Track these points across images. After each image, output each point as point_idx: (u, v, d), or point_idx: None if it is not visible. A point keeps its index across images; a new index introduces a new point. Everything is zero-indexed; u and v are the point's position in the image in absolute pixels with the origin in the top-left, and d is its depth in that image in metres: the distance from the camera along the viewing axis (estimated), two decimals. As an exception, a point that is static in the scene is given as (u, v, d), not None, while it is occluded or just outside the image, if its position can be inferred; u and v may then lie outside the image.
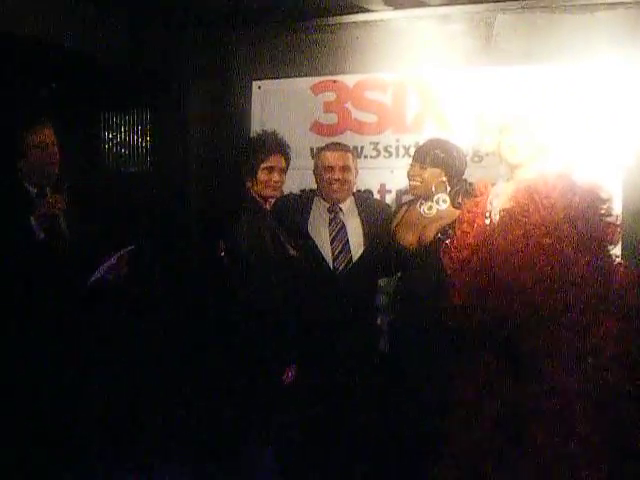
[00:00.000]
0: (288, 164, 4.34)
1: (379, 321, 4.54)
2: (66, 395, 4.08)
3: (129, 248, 4.20)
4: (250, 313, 4.01)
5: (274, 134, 4.37)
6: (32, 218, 3.94)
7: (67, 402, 4.09)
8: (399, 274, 4.33)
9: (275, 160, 4.23)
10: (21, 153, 4.12)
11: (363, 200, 4.61)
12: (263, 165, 4.21)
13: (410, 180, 4.24)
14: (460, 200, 4.10)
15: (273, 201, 4.37)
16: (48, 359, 3.98)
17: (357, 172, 4.51)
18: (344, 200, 4.44)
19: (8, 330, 3.97)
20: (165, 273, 5.01)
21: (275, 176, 4.22)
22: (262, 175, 4.21)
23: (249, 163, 4.22)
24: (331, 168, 4.37)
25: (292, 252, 4.17)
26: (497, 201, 3.68)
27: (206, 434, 4.25)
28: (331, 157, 4.41)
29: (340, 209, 4.44)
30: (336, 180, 4.37)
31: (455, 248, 3.74)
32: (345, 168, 4.39)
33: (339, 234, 4.38)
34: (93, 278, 4.04)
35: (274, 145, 4.28)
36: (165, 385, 4.86)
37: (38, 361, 3.96)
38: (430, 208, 4.19)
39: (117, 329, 4.65)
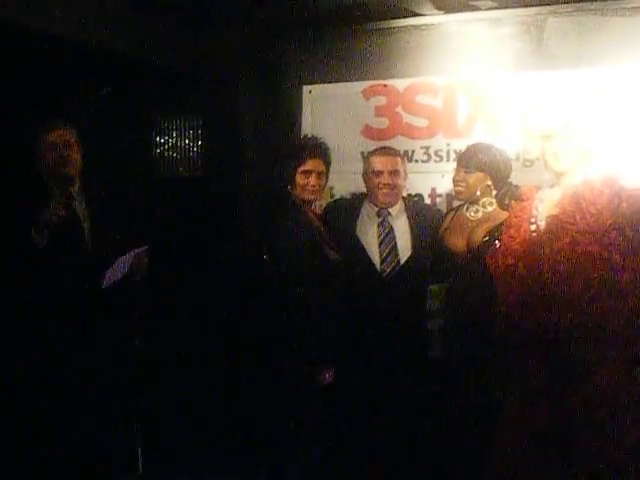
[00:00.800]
0: (328, 168, 4.36)
1: (429, 326, 4.53)
2: (90, 401, 4.06)
3: (144, 248, 4.18)
4: (290, 315, 4.04)
5: (313, 138, 4.40)
6: (33, 226, 3.87)
7: (90, 409, 4.06)
8: (450, 279, 4.32)
9: (313, 164, 4.26)
10: (37, 153, 4.10)
11: (412, 204, 4.61)
12: (300, 169, 4.24)
13: (455, 185, 4.23)
14: (507, 202, 4.08)
15: (317, 204, 4.40)
16: (61, 362, 3.96)
17: (406, 176, 4.50)
18: (393, 205, 4.44)
19: (14, 334, 3.95)
20: (210, 274, 5.03)
21: (312, 180, 4.25)
22: (300, 179, 4.25)
23: (288, 167, 4.25)
24: (380, 172, 4.37)
25: (333, 255, 4.19)
26: (542, 207, 3.64)
27: (247, 437, 4.29)
28: (380, 161, 4.40)
29: (389, 213, 4.43)
30: (385, 185, 4.36)
31: (501, 254, 3.71)
32: (394, 172, 4.38)
33: (387, 237, 4.38)
34: (108, 280, 4.01)
35: (311, 149, 4.30)
36: (202, 388, 4.89)
37: (50, 365, 3.94)
38: (476, 211, 4.18)
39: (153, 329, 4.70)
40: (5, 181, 4.16)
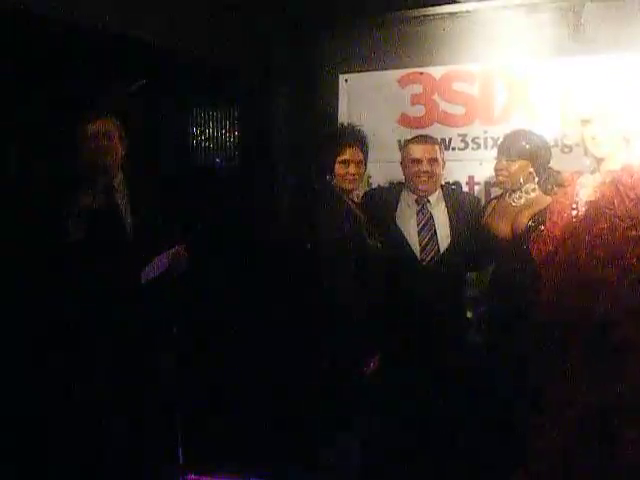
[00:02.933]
0: (366, 156, 4.36)
1: (469, 314, 4.53)
2: (130, 392, 4.04)
3: (181, 246, 4.13)
4: (332, 304, 4.06)
5: (351, 127, 4.41)
6: (70, 217, 3.87)
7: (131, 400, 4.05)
8: (493, 266, 4.31)
9: (351, 153, 4.26)
10: (77, 143, 4.05)
11: (451, 192, 4.59)
12: (339, 158, 4.25)
13: (498, 174, 4.21)
14: (550, 187, 4.07)
15: (357, 193, 4.41)
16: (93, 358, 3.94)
17: (444, 164, 4.49)
18: (432, 192, 4.44)
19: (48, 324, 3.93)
20: (247, 265, 5.05)
21: (352, 169, 4.25)
22: (339, 168, 4.25)
23: (327, 157, 4.27)
24: (418, 161, 4.37)
25: (373, 243, 4.20)
26: (583, 192, 3.63)
27: (290, 430, 4.32)
28: (418, 150, 4.40)
29: (428, 201, 4.43)
30: (424, 172, 4.35)
31: (543, 240, 3.71)
32: (432, 160, 4.37)
33: (427, 225, 4.38)
34: (146, 276, 3.99)
35: (349, 138, 4.31)
36: (244, 382, 4.92)
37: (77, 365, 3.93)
38: (519, 197, 4.16)
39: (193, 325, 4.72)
40: (44, 170, 4.19)
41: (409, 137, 4.66)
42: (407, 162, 4.44)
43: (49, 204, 3.96)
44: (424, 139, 4.47)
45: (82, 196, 3.93)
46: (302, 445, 4.25)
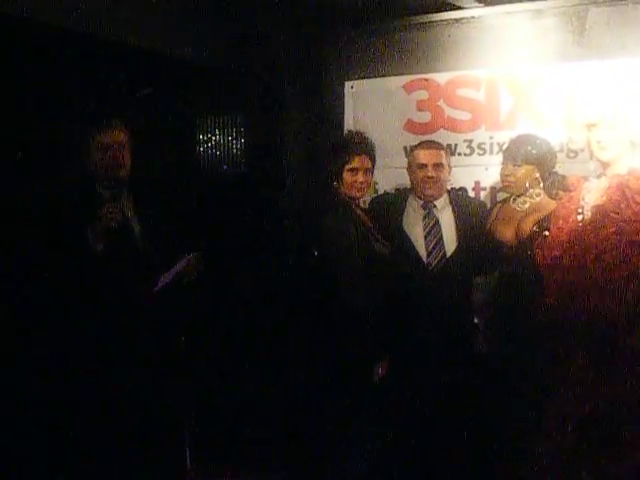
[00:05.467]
0: (374, 164, 4.38)
1: (476, 320, 4.52)
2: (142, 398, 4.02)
3: (193, 254, 4.10)
4: (340, 309, 4.07)
5: (359, 134, 4.42)
6: (89, 230, 3.79)
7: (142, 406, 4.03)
8: (497, 272, 4.32)
9: (359, 161, 4.27)
10: (88, 154, 3.98)
11: (457, 197, 4.62)
12: (348, 166, 4.25)
13: (504, 180, 4.24)
14: (555, 192, 4.08)
15: (364, 200, 4.42)
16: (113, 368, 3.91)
17: (450, 169, 4.51)
18: (438, 198, 4.45)
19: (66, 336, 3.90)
20: (255, 272, 5.06)
21: (360, 177, 4.26)
22: (347, 176, 4.26)
23: (335, 165, 4.27)
24: (424, 166, 4.39)
25: (381, 249, 4.21)
26: (589, 197, 3.63)
27: (302, 433, 4.32)
28: (424, 155, 4.42)
29: (434, 205, 4.45)
30: (429, 178, 4.37)
31: (549, 245, 3.71)
32: (438, 166, 4.39)
33: (433, 229, 4.39)
34: (160, 284, 3.96)
35: (358, 146, 4.31)
36: (253, 386, 4.93)
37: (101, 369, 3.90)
38: (524, 202, 4.17)
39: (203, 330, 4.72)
40: (55, 184, 4.18)
41: (415, 143, 4.68)
42: (413, 167, 4.46)
43: (63, 219, 3.91)
44: (429, 144, 4.49)
45: (94, 208, 3.88)
46: (310, 450, 4.26)
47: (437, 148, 4.46)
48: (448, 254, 4.35)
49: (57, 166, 4.47)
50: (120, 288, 3.87)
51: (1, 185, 4.26)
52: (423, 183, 4.40)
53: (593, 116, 3.60)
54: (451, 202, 4.49)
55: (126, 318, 3.89)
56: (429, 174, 4.37)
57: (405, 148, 5.15)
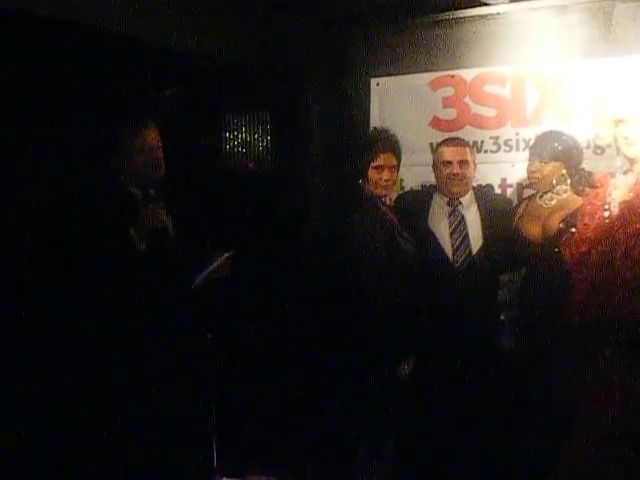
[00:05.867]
0: (399, 162, 4.38)
1: (502, 317, 4.52)
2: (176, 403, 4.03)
3: (230, 253, 4.11)
4: (365, 307, 4.07)
5: (384, 132, 4.43)
6: (132, 229, 3.80)
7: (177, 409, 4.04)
8: (524, 269, 4.31)
9: (384, 159, 4.27)
10: (124, 155, 3.97)
11: (483, 194, 4.62)
12: (373, 164, 4.26)
13: (530, 177, 4.23)
14: (582, 188, 4.06)
15: (391, 198, 4.42)
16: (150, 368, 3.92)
17: (475, 166, 4.51)
18: (463, 195, 4.46)
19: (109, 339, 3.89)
20: (283, 271, 5.06)
21: (385, 175, 4.26)
22: (372, 174, 4.26)
23: (360, 162, 4.27)
24: (449, 163, 4.39)
25: (407, 246, 4.21)
26: (616, 193, 3.62)
27: (326, 429, 4.33)
28: (449, 152, 4.42)
29: (460, 203, 4.46)
30: (455, 175, 4.38)
31: (575, 241, 3.69)
32: (463, 163, 4.39)
33: (458, 227, 4.40)
34: (196, 283, 3.97)
35: (383, 144, 4.32)
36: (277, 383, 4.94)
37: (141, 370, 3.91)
38: (551, 199, 4.17)
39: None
40: (93, 186, 4.19)
41: (441, 140, 4.67)
42: (438, 165, 4.46)
43: (111, 219, 3.87)
44: (455, 141, 4.50)
45: (144, 208, 3.90)
46: (336, 448, 4.27)
47: (462, 145, 4.46)
48: (474, 251, 4.35)
49: (95, 168, 4.48)
50: (157, 286, 3.88)
51: (41, 188, 4.29)
52: (448, 180, 4.40)
53: (620, 112, 3.57)
54: (477, 199, 4.49)
55: (161, 316, 3.90)
56: (454, 171, 4.38)
57: (431, 145, 5.14)
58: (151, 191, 3.98)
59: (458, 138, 4.59)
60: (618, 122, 3.55)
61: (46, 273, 3.96)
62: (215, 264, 4.02)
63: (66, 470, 3.96)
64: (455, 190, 4.41)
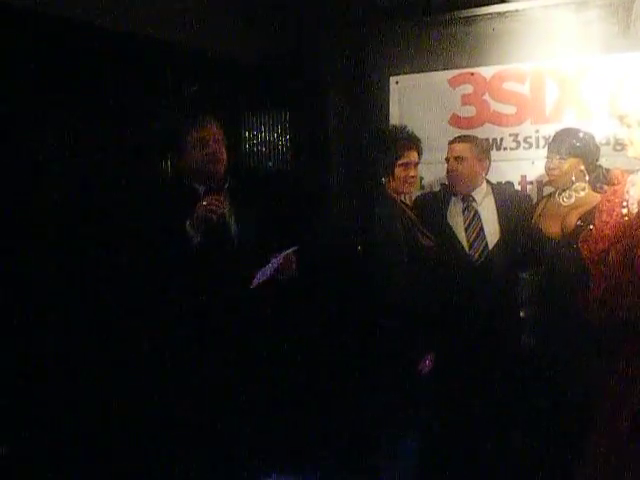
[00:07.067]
0: (420, 158, 4.41)
1: (522, 314, 4.51)
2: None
3: (294, 248, 4.02)
4: (386, 303, 4.08)
5: (406, 129, 4.43)
6: (187, 222, 3.77)
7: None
8: (543, 266, 4.30)
9: (411, 156, 4.30)
10: (182, 150, 3.99)
11: (500, 190, 4.63)
12: (400, 162, 4.27)
13: (549, 173, 4.22)
14: (600, 185, 4.05)
15: (410, 196, 4.43)
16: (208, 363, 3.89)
17: (482, 162, 4.53)
18: (464, 191, 4.50)
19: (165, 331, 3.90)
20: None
21: (412, 171, 4.30)
22: (399, 171, 4.28)
23: (386, 160, 4.28)
24: (447, 159, 4.52)
25: (427, 243, 4.21)
26: (634, 190, 3.60)
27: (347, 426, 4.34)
28: (449, 149, 4.56)
29: (473, 199, 4.49)
30: (450, 171, 4.49)
31: (594, 239, 3.68)
32: (458, 159, 4.46)
33: (472, 222, 4.43)
34: (257, 280, 3.89)
35: (409, 140, 4.34)
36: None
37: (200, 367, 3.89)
38: (569, 197, 4.16)
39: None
40: (153, 179, 4.19)
41: (456, 137, 4.71)
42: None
43: (169, 214, 3.86)
44: (459, 138, 4.59)
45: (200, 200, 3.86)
46: (358, 445, 4.28)
47: (461, 141, 4.52)
48: (490, 246, 4.36)
49: (155, 164, 4.50)
50: (217, 282, 3.86)
51: (101, 184, 4.36)
52: (447, 175, 4.53)
53: (630, 110, 3.57)
54: (494, 195, 4.50)
55: (222, 313, 3.89)
56: (450, 167, 4.48)
57: (450, 143, 5.16)
58: (212, 185, 3.97)
59: (466, 135, 4.64)
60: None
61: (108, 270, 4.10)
62: (275, 262, 3.95)
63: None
64: (452, 185, 4.52)
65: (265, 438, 4.18)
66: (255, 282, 3.88)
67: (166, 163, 4.24)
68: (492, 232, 4.39)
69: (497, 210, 4.44)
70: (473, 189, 4.47)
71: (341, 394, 4.40)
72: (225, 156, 4.02)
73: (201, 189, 3.99)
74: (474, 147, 4.49)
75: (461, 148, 4.46)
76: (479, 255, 4.36)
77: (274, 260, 3.94)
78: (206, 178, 3.99)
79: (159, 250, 3.80)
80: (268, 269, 3.92)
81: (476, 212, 4.44)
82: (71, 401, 4.04)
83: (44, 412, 3.96)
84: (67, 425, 4.03)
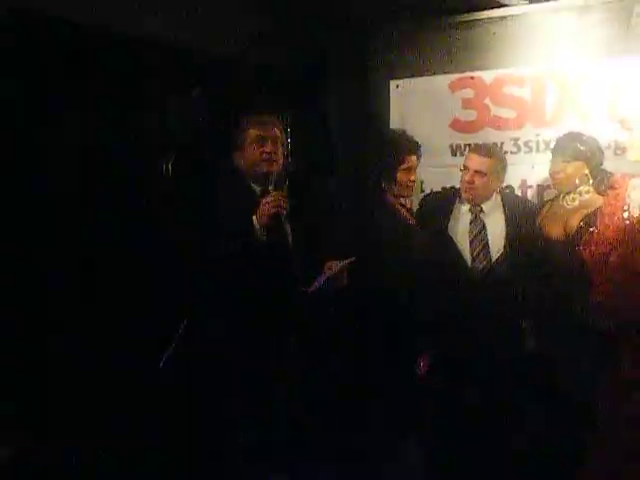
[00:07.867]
0: (419, 162, 4.40)
1: (524, 324, 4.47)
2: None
3: (351, 259, 3.96)
4: (386, 308, 4.09)
5: (407, 134, 4.42)
6: (254, 218, 3.76)
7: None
8: (547, 269, 4.28)
9: (412, 160, 4.32)
10: (238, 148, 3.98)
11: (509, 200, 4.51)
12: (402, 166, 4.27)
13: (553, 177, 4.19)
14: (603, 188, 4.04)
15: (411, 200, 4.43)
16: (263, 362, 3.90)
17: (499, 178, 4.42)
18: (477, 203, 4.39)
19: (220, 329, 3.90)
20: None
21: (412, 176, 4.30)
22: (401, 176, 4.29)
23: (387, 165, 4.27)
24: (466, 169, 4.35)
25: (425, 251, 4.20)
26: (636, 194, 3.62)
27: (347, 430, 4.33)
28: (469, 158, 4.40)
29: (481, 210, 4.39)
30: (466, 182, 4.34)
31: (596, 242, 3.70)
32: (478, 173, 4.31)
33: (479, 235, 4.34)
34: (314, 287, 3.87)
35: (410, 146, 4.33)
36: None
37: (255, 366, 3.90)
38: (573, 199, 4.14)
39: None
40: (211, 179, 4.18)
41: (461, 142, 4.72)
42: (462, 168, 4.42)
43: (230, 211, 3.86)
44: (479, 149, 4.46)
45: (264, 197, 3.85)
46: (355, 446, 4.27)
47: (483, 155, 4.35)
48: (494, 258, 4.29)
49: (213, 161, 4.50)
50: (279, 285, 3.85)
51: (159, 183, 4.45)
52: (462, 185, 4.38)
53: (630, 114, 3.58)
54: (503, 206, 4.41)
55: (282, 316, 3.88)
56: (466, 178, 4.33)
57: (451, 146, 5.18)
58: (270, 187, 3.90)
59: (486, 147, 4.52)
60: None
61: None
62: (333, 269, 3.92)
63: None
64: (466, 196, 4.37)
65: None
66: (315, 286, 3.87)
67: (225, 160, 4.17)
68: (497, 244, 4.30)
69: (505, 222, 4.35)
70: (484, 201, 4.39)
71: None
72: (281, 158, 4.01)
73: (257, 188, 3.97)
74: (497, 163, 4.36)
75: (482, 162, 4.32)
76: (482, 268, 4.28)
77: (333, 268, 3.93)
78: (261, 176, 3.95)
79: (226, 246, 3.79)
80: (327, 276, 3.90)
81: (484, 225, 4.35)
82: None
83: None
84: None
